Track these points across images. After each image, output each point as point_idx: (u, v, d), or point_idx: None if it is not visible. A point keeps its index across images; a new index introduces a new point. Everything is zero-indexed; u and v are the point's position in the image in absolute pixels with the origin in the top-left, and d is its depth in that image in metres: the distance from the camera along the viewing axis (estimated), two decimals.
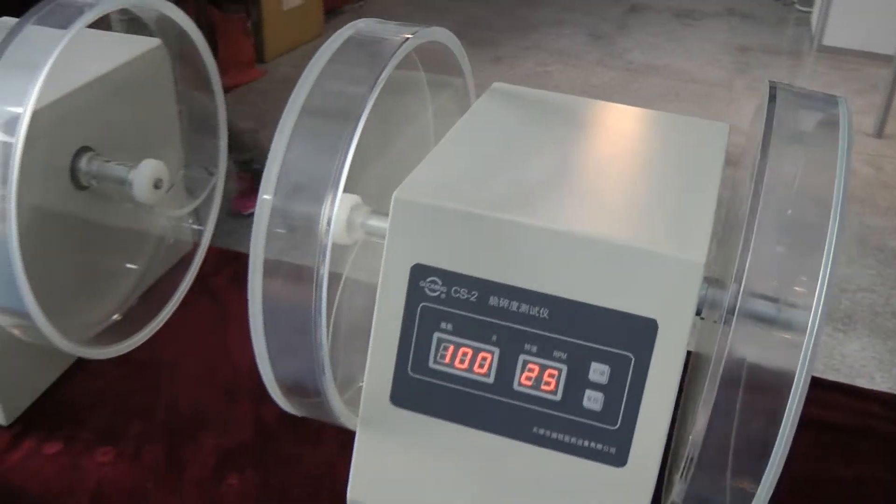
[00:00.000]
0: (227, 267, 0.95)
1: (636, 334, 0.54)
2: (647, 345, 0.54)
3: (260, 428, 0.76)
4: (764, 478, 0.49)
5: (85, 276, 0.82)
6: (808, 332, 0.47)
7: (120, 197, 0.78)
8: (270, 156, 0.55)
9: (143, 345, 0.84)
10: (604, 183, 0.61)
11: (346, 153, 0.53)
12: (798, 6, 4.23)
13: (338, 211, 0.63)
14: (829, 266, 0.47)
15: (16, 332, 0.71)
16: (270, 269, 0.57)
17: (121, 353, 0.79)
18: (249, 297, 0.57)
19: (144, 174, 0.74)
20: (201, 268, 0.90)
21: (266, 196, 0.55)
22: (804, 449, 0.74)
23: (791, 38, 3.95)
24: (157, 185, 0.75)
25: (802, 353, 0.47)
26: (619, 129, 0.69)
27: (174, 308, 0.86)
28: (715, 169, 0.63)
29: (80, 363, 0.82)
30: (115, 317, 0.84)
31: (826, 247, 0.47)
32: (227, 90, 0.90)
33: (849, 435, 0.77)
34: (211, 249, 0.92)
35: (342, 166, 0.53)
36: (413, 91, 0.76)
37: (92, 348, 0.75)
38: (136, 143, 0.81)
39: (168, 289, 0.88)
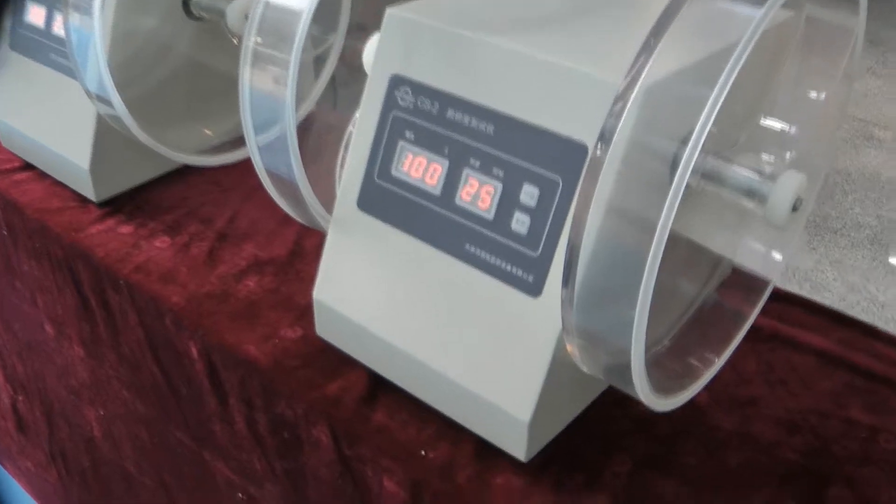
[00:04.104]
0: (330, 115, 1.02)
1: (566, 158, 0.53)
2: (575, 170, 0.52)
3: (296, 249, 0.82)
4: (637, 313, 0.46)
5: (193, 98, 0.93)
6: (681, 164, 0.43)
7: (225, 31, 0.87)
8: None
9: (231, 172, 0.93)
10: (588, 26, 0.59)
11: None
12: None
13: (370, 45, 0.67)
14: (718, 104, 0.43)
15: (109, 121, 0.83)
16: (260, 62, 0.62)
17: (195, 164, 0.90)
18: (240, 88, 0.63)
19: (237, 6, 0.82)
20: (308, 115, 0.98)
21: None
22: (829, 385, 0.68)
23: None
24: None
25: (673, 186, 0.44)
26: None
27: None
28: None
29: (180, 174, 0.94)
30: (215, 141, 0.94)
31: (719, 83, 0.43)
32: None
33: (887, 388, 0.68)
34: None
35: None
36: None
37: (170, 148, 0.86)
38: None
39: None
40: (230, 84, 0.97)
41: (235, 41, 0.88)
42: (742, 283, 0.71)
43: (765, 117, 0.62)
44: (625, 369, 0.50)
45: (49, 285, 0.92)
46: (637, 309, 0.45)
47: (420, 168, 0.59)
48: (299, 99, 0.99)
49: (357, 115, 0.65)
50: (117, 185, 0.90)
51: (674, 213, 0.45)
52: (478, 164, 0.56)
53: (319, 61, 0.99)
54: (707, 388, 0.64)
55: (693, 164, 0.44)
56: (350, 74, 0.96)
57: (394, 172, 0.61)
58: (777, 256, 0.71)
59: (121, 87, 0.79)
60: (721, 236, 0.69)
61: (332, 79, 0.99)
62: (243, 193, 0.91)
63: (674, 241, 0.47)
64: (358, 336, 0.64)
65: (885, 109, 3.09)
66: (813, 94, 0.62)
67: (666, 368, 0.63)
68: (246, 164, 0.93)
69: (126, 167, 0.91)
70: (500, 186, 0.55)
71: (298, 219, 0.70)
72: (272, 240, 0.84)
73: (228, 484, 0.78)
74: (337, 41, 0.98)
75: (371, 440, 0.62)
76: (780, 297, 0.76)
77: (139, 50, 0.87)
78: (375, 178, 0.62)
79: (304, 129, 0.99)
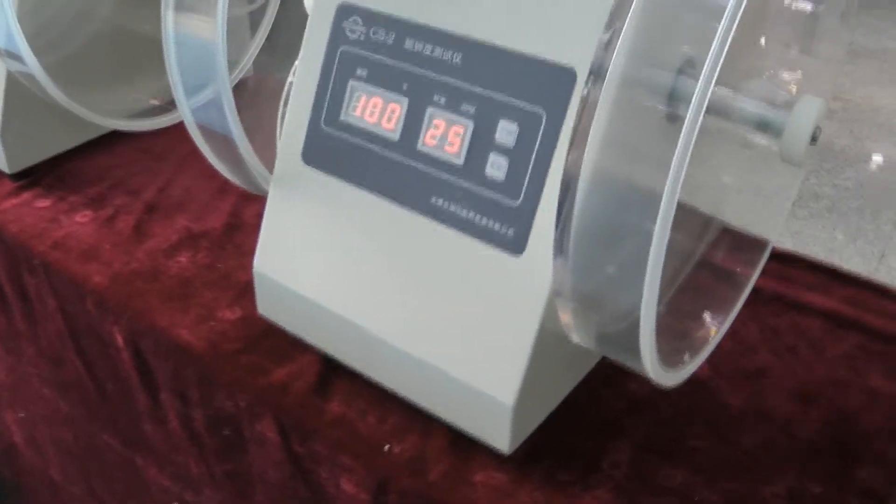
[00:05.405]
0: (269, 80, 0.92)
1: (551, 87, 0.44)
2: (561, 100, 0.44)
3: (233, 221, 0.73)
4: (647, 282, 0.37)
5: (120, 58, 0.83)
6: (696, 93, 0.35)
7: None
8: None
9: (163, 138, 0.83)
10: None
11: None
12: None
13: None
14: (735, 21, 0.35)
15: (21, 80, 0.72)
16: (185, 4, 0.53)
17: (122, 129, 0.80)
18: (164, 35, 0.54)
19: None
20: (246, 79, 0.88)
21: None
22: (841, 350, 0.61)
23: None
24: None
25: (688, 118, 0.35)
26: None
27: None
28: None
29: (106, 142, 0.83)
30: (144, 104, 0.84)
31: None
32: None
33: None
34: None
35: None
36: None
37: (93, 112, 0.76)
38: None
39: None
40: (160, 44, 0.88)
41: None
42: (739, 242, 0.63)
43: (765, 37, 0.54)
44: (626, 336, 0.42)
45: None
46: (650, 260, 0.37)
47: (375, 110, 0.50)
48: (236, 58, 0.90)
49: (298, 62, 0.56)
50: (34, 155, 0.80)
51: (689, 152, 0.37)
52: (443, 100, 0.47)
53: (256, 20, 0.90)
54: (707, 360, 0.56)
55: (709, 93, 0.36)
56: (291, 32, 0.87)
57: (344, 117, 0.51)
58: (776, 209, 0.64)
59: (39, 51, 0.69)
60: (715, 183, 0.61)
61: (271, 41, 0.89)
62: (176, 162, 0.81)
63: None
64: (307, 313, 0.55)
65: (835, 81, 3.08)
66: (812, 7, 0.55)
67: (663, 337, 0.55)
68: (179, 130, 0.83)
69: (43, 134, 0.80)
70: (471, 125, 0.46)
71: (235, 180, 0.60)
72: (207, 211, 0.74)
73: (163, 491, 0.69)
74: None
75: (325, 434, 0.53)
76: (774, 255, 0.68)
77: (58, 11, 0.77)
78: (322, 125, 0.52)
79: (242, 93, 0.89)
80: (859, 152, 2.63)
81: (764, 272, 0.62)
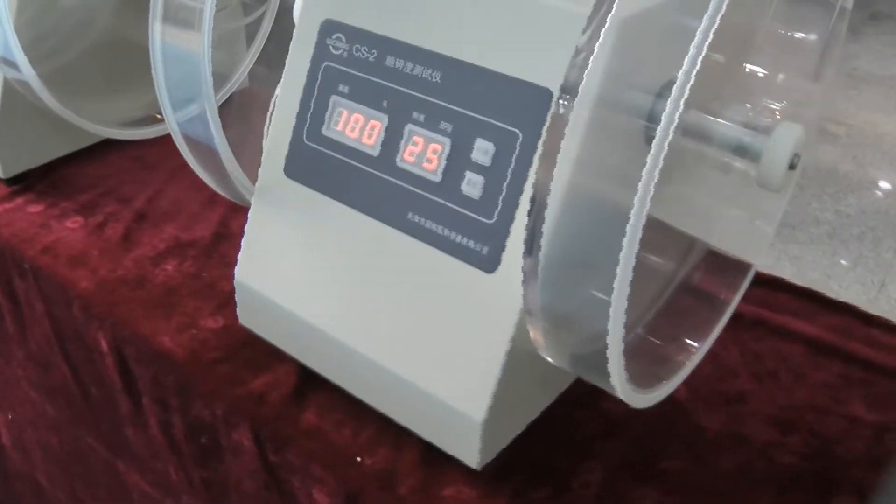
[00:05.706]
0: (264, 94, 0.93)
1: (527, 107, 0.44)
2: (537, 120, 0.44)
3: (221, 231, 0.73)
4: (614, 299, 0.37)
5: (116, 69, 0.84)
6: (665, 114, 0.36)
7: None
8: None
9: (156, 148, 0.84)
10: None
11: None
12: None
13: None
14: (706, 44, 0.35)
15: (17, 87, 0.73)
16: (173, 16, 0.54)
17: (114, 137, 0.81)
18: (150, 46, 0.55)
19: None
20: (238, 92, 0.89)
21: None
22: (823, 377, 0.60)
23: None
24: None
25: (657, 138, 0.36)
26: None
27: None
28: None
29: (99, 150, 0.84)
30: (137, 113, 0.84)
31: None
32: None
33: (887, 378, 0.61)
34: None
35: None
36: None
37: (87, 119, 0.76)
38: None
39: None
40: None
41: None
42: (721, 265, 0.63)
43: (750, 64, 0.54)
44: (597, 357, 0.42)
45: None
46: (616, 283, 0.37)
47: (356, 126, 0.50)
48: (230, 70, 0.90)
49: (282, 76, 0.57)
50: (28, 161, 0.81)
51: (657, 173, 0.37)
52: (422, 118, 0.48)
53: (252, 33, 0.90)
54: (685, 382, 0.56)
55: (679, 113, 0.37)
56: (286, 44, 0.87)
57: (325, 132, 0.52)
58: (760, 234, 0.64)
59: (35, 59, 0.70)
60: (698, 206, 0.61)
61: (266, 53, 0.90)
62: (168, 172, 0.82)
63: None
64: (285, 324, 0.56)
65: (838, 105, 3.07)
66: (802, 35, 0.55)
67: (640, 359, 0.55)
68: (171, 140, 0.84)
69: (37, 141, 0.81)
70: (448, 143, 0.47)
71: (220, 191, 0.61)
72: (196, 221, 0.74)
73: (144, 497, 0.69)
74: (270, 7, 0.89)
75: (300, 444, 0.53)
76: (761, 280, 0.68)
77: (57, 21, 0.78)
78: (304, 139, 0.53)
79: (235, 104, 0.90)
80: (862, 178, 2.61)
81: (748, 297, 0.62)
